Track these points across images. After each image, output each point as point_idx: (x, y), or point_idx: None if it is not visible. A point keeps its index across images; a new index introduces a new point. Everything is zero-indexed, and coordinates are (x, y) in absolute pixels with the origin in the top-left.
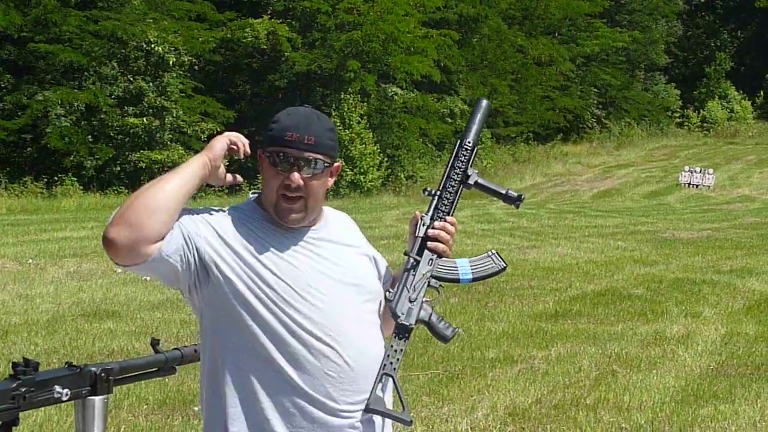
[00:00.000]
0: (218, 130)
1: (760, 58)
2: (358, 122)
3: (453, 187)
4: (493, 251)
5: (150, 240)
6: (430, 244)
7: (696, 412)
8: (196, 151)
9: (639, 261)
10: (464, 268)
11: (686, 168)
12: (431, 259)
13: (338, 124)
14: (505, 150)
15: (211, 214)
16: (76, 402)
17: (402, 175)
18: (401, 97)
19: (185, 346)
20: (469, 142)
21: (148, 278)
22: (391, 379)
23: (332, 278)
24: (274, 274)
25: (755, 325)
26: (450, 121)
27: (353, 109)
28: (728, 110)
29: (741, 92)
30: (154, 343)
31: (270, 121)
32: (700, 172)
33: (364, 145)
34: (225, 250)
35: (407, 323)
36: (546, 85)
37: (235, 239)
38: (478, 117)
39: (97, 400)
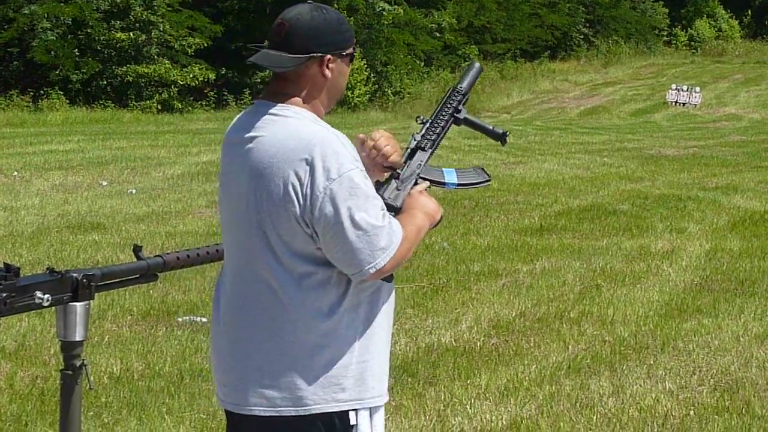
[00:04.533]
0: (205, 45)
1: None
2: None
3: (443, 119)
4: (480, 167)
5: None
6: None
7: (679, 326)
8: (183, 66)
9: (625, 177)
10: (450, 174)
11: (673, 86)
12: (420, 163)
13: None
14: (492, 67)
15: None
16: (58, 308)
17: (389, 91)
18: (389, 13)
19: (167, 253)
20: (461, 87)
21: (134, 191)
22: None
23: None
24: None
25: (739, 240)
26: (438, 35)
27: None
28: (716, 29)
29: (729, 11)
30: (137, 249)
31: (335, 24)
32: (687, 90)
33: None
34: None
35: (395, 204)
36: (534, 2)
37: None
38: (471, 73)
39: (79, 306)
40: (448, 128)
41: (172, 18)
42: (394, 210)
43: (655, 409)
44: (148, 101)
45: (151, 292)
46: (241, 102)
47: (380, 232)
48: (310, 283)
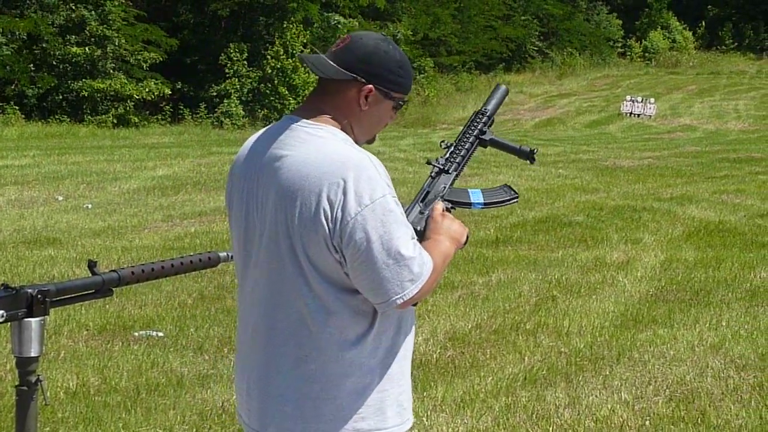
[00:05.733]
0: (161, 59)
1: None
2: (301, 51)
3: (468, 141)
4: (507, 185)
5: None
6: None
7: (635, 337)
8: (139, 80)
9: (580, 189)
10: (476, 195)
11: (628, 97)
12: (444, 186)
13: (281, 53)
14: (447, 79)
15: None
16: (12, 324)
17: None
18: (345, 26)
19: (123, 268)
20: (486, 110)
21: (90, 206)
22: None
23: None
24: None
25: (694, 251)
26: None
27: (296, 38)
28: (670, 40)
29: (683, 22)
30: (91, 264)
31: (393, 63)
32: (642, 101)
33: (307, 74)
34: None
35: (417, 227)
36: (488, 14)
37: None
38: (496, 96)
39: (34, 321)
40: (474, 150)
41: (128, 32)
42: (417, 234)
43: (611, 419)
44: (103, 116)
45: (107, 306)
46: (197, 116)
47: (411, 263)
48: (340, 311)
